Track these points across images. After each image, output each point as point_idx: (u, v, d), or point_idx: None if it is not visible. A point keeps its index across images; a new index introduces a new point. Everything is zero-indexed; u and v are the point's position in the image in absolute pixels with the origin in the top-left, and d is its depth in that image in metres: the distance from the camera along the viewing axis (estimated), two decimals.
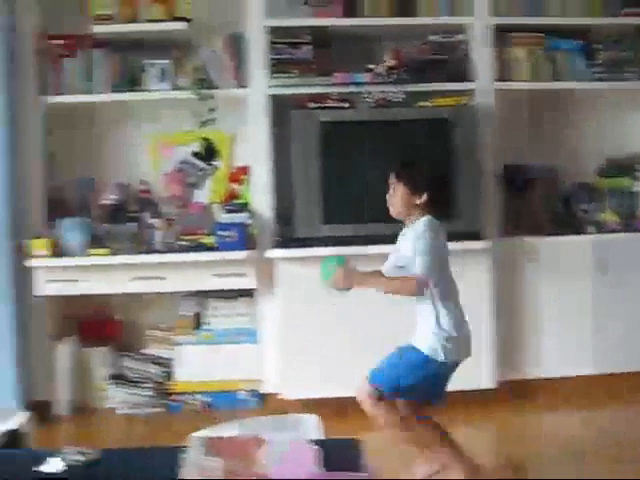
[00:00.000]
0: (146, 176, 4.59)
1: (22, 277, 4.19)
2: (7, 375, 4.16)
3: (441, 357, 3.00)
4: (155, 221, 4.36)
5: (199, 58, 4.45)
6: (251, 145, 4.40)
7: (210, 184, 4.61)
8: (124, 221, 4.36)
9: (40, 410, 4.01)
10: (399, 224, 3.24)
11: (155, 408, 4.40)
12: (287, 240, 4.15)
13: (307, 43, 4.37)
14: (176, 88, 4.40)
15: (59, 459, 2.09)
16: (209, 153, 4.58)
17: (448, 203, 3.44)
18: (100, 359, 4.47)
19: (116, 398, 4.42)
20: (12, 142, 4.22)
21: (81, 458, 2.10)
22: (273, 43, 4.33)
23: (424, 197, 3.10)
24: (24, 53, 4.33)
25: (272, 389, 4.35)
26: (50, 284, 4.17)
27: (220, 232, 4.20)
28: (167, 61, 4.42)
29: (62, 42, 4.42)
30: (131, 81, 4.44)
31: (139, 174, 4.59)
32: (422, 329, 3.07)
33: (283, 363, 4.23)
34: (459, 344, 3.07)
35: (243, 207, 4.38)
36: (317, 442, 2.07)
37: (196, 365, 4.41)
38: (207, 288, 4.37)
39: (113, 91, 4.38)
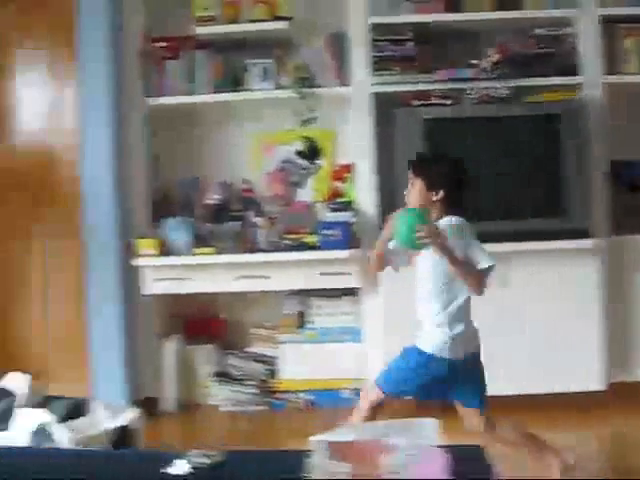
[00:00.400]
0: (249, 175, 4.62)
1: (130, 276, 4.27)
2: (116, 373, 4.25)
3: (446, 354, 2.90)
4: (258, 220, 4.38)
5: (301, 57, 4.45)
6: (354, 143, 4.37)
7: (313, 183, 4.59)
8: (227, 220, 4.39)
9: (147, 407, 4.07)
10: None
11: (258, 406, 4.42)
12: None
13: (409, 40, 4.32)
14: (278, 87, 4.41)
15: (185, 461, 2.09)
16: (312, 152, 4.57)
17: (465, 202, 3.24)
18: (205, 357, 4.52)
19: (220, 395, 4.46)
20: (118, 143, 4.30)
21: (206, 460, 2.11)
22: (375, 40, 4.29)
23: (440, 194, 2.96)
24: (130, 55, 4.41)
25: None
26: (157, 283, 4.24)
27: (324, 231, 4.19)
28: (269, 60, 4.44)
29: (165, 44, 4.47)
30: (233, 81, 4.47)
31: (242, 173, 4.62)
32: (427, 328, 2.97)
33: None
34: (464, 341, 2.94)
35: (347, 205, 4.36)
36: (443, 448, 2.03)
37: (300, 363, 4.42)
38: (311, 287, 4.36)
39: (215, 92, 4.42)
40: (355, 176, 4.44)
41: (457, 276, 2.85)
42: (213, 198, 4.46)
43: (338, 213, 4.32)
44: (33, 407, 3.32)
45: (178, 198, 4.55)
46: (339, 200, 4.45)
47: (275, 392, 4.45)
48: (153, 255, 4.19)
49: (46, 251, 4.49)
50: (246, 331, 4.61)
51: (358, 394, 4.21)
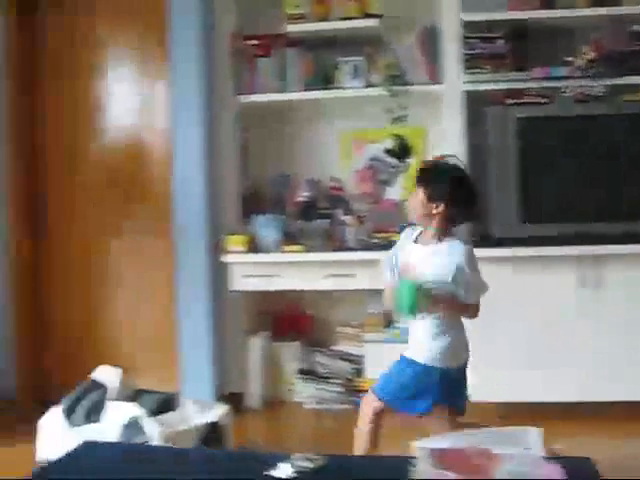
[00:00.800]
0: (338, 173, 4.61)
1: (219, 274, 4.31)
2: (203, 369, 4.31)
3: (440, 364, 2.88)
4: (347, 218, 4.36)
5: (391, 54, 4.41)
6: (445, 141, 4.31)
7: (402, 181, 4.55)
8: (316, 218, 4.39)
9: (233, 402, 4.09)
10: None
11: (343, 404, 4.41)
12: (482, 239, 4.05)
13: (500, 37, 4.25)
14: (369, 85, 4.39)
15: (289, 465, 2.10)
16: (402, 150, 4.53)
17: (470, 218, 3.17)
18: (291, 354, 4.54)
19: (305, 393, 4.46)
20: (209, 142, 4.35)
21: (309, 465, 2.11)
22: (466, 38, 4.23)
23: (441, 208, 2.86)
24: (221, 53, 4.45)
25: None
26: (245, 279, 4.26)
27: None
28: (360, 58, 4.41)
29: (256, 42, 4.49)
30: (324, 79, 4.46)
31: (331, 171, 4.61)
32: (420, 340, 2.93)
33: (473, 366, 4.14)
34: (457, 350, 2.94)
35: None
36: (549, 459, 1.97)
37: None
38: None
39: (306, 89, 4.42)
40: None
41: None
42: (302, 195, 4.46)
43: None
44: (124, 400, 3.38)
45: (268, 195, 4.58)
46: None
47: (360, 391, 4.41)
48: (242, 252, 4.21)
49: (136, 248, 4.56)
50: (332, 329, 4.61)
51: None
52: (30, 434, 3.38)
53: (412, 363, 2.93)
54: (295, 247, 4.22)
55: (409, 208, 3.02)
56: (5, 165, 4.58)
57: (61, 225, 4.74)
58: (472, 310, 2.92)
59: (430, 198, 2.88)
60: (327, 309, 4.63)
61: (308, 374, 4.49)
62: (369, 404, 2.98)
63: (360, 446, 2.99)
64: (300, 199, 4.47)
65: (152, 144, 4.56)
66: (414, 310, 2.78)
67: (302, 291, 4.45)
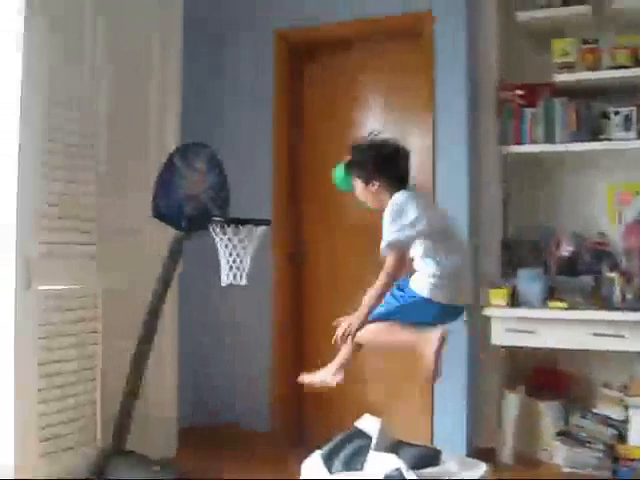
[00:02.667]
0: (603, 227, 4.44)
1: (480, 325, 4.26)
2: (459, 420, 4.29)
3: (437, 298, 3.05)
4: (613, 275, 4.17)
5: None
6: None
7: None
8: (580, 274, 4.23)
9: (485, 457, 4.00)
10: None
11: (601, 470, 4.18)
12: None
13: None
14: None
15: None
16: None
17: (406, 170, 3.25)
18: (548, 412, 4.37)
19: (561, 454, 4.27)
20: (472, 191, 4.33)
21: None
22: None
23: (376, 184, 3.15)
24: (486, 102, 4.45)
25: None
26: (506, 334, 4.17)
27: None
28: (631, 108, 4.22)
29: (522, 91, 4.42)
30: (592, 129, 4.30)
31: (596, 224, 4.45)
32: (418, 274, 3.10)
33: None
34: (453, 288, 3.08)
35: None
36: None
37: None
38: None
39: (573, 140, 4.28)
40: None
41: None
42: (566, 249, 4.32)
43: None
44: (383, 451, 3.40)
45: (529, 247, 4.47)
46: None
47: (621, 458, 4.19)
48: (503, 305, 4.13)
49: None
50: (593, 390, 4.40)
51: None
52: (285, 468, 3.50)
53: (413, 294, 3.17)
54: (559, 304, 4.08)
55: (363, 202, 3.26)
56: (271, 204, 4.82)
57: (319, 263, 4.87)
58: (381, 278, 3.10)
59: (365, 182, 3.18)
60: (588, 368, 4.43)
61: (566, 435, 4.30)
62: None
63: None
64: (563, 253, 4.33)
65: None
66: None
67: (562, 348, 4.29)
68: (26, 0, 3.53)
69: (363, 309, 3.15)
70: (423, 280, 3.10)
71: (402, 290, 3.19)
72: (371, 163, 3.18)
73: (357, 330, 3.18)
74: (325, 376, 3.43)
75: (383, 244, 3.06)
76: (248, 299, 4.71)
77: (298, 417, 4.92)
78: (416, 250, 3.12)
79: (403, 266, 3.13)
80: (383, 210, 3.14)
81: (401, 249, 3.09)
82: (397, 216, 3.07)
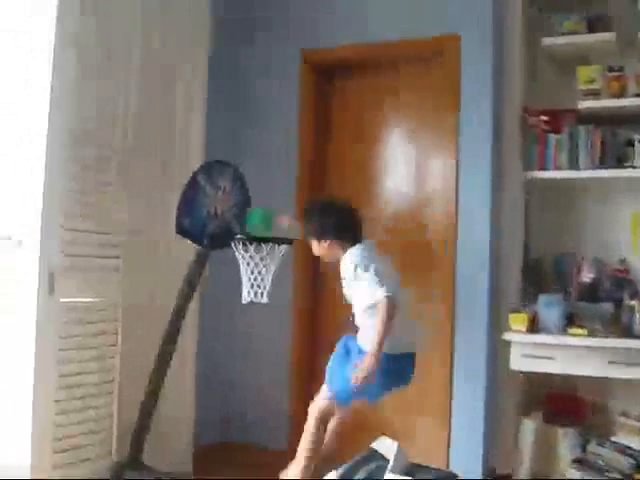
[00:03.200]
0: (625, 254, 4.41)
1: (498, 350, 4.25)
2: (474, 445, 4.28)
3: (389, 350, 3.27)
4: (634, 303, 4.14)
5: None
6: None
7: None
8: (600, 301, 4.21)
9: None
10: None
11: None
12: None
13: None
14: None
15: None
16: None
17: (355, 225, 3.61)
18: (565, 439, 4.33)
19: None
20: (495, 216, 4.33)
21: None
22: None
23: (328, 241, 3.53)
24: (511, 127, 4.45)
25: None
26: (525, 360, 4.14)
27: None
28: None
29: (547, 117, 4.42)
30: (616, 156, 4.29)
31: (618, 252, 4.42)
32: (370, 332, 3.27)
33: None
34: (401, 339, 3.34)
35: None
36: None
37: None
38: None
39: (597, 167, 4.27)
40: None
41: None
42: (587, 276, 4.30)
43: None
44: (398, 473, 3.39)
45: (550, 273, 4.46)
46: None
47: None
48: (522, 331, 4.12)
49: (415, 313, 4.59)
50: (610, 418, 4.36)
51: None
52: None
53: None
54: (579, 330, 4.05)
55: (324, 260, 3.64)
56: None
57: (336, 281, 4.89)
58: (383, 318, 3.28)
59: (317, 240, 3.56)
60: (606, 396, 4.40)
61: (581, 463, 4.26)
62: (316, 421, 3.59)
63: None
64: (584, 279, 4.31)
65: (435, 214, 4.58)
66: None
67: (581, 375, 4.26)
68: (57, 11, 3.56)
69: (375, 352, 3.28)
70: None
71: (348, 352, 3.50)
72: (320, 223, 3.57)
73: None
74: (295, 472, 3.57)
75: (381, 296, 3.25)
76: (267, 317, 4.72)
77: None
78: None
79: None
80: (338, 262, 3.51)
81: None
82: (371, 268, 3.33)
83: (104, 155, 3.98)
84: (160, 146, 4.37)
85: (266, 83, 5.01)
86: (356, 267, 3.38)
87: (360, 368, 3.27)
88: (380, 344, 3.25)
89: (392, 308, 3.24)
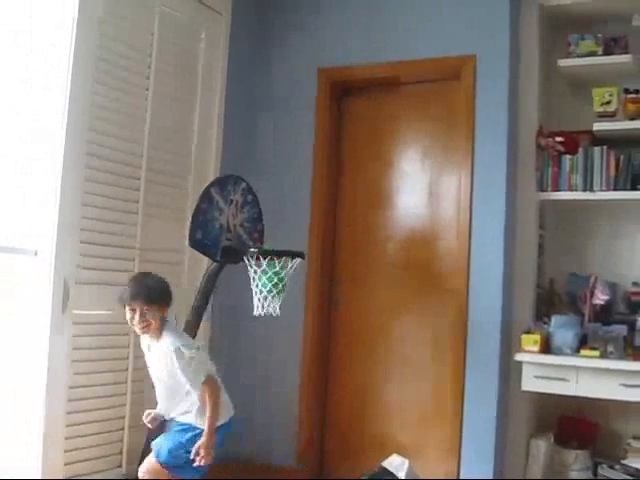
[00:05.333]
0: (639, 277, 4.39)
1: (510, 370, 4.23)
2: (483, 464, 4.23)
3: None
4: None
5: None
6: None
7: None
8: (613, 322, 4.20)
9: None
10: None
11: None
12: None
13: None
14: None
15: None
16: None
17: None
18: (575, 461, 4.30)
19: None
20: (508, 236, 4.32)
21: None
22: None
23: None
24: (525, 149, 4.47)
25: None
26: (537, 380, 4.13)
27: None
28: None
29: (562, 139, 4.43)
30: (631, 178, 4.29)
31: (631, 274, 4.42)
32: (189, 407, 3.34)
33: None
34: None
35: None
36: None
37: None
38: None
39: (612, 189, 4.27)
40: None
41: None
42: (600, 298, 4.29)
43: None
44: None
45: (562, 294, 4.45)
46: None
47: None
48: (535, 352, 4.10)
49: (426, 332, 4.60)
50: (621, 441, 4.34)
51: None
52: None
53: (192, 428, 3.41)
54: (591, 352, 4.04)
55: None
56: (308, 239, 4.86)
57: (351, 301, 4.89)
58: (212, 400, 3.35)
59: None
60: (617, 419, 4.38)
61: None
62: None
63: None
64: (597, 301, 4.30)
65: (449, 233, 4.58)
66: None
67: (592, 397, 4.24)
68: (78, 15, 3.61)
69: (211, 431, 3.33)
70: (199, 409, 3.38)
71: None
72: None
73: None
74: None
75: (202, 379, 3.32)
76: (280, 331, 4.72)
77: (320, 452, 4.90)
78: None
79: None
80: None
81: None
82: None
83: (120, 169, 3.99)
84: (176, 160, 4.40)
85: (283, 100, 5.02)
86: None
87: (203, 452, 3.30)
88: (213, 428, 3.35)
89: (216, 388, 3.40)
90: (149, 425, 3.51)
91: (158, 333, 3.37)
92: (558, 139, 4.44)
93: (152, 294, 3.36)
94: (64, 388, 3.64)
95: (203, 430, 3.30)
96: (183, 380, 3.31)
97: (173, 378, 3.34)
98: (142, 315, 3.33)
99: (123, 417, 4.04)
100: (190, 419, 3.37)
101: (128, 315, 3.36)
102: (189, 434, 3.35)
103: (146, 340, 3.45)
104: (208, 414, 3.30)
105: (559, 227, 4.60)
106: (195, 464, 3.28)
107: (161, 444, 3.39)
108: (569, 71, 4.49)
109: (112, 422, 3.98)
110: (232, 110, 4.83)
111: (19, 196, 3.54)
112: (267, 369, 4.89)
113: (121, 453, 4.05)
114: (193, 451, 3.28)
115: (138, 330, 3.38)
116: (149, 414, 3.50)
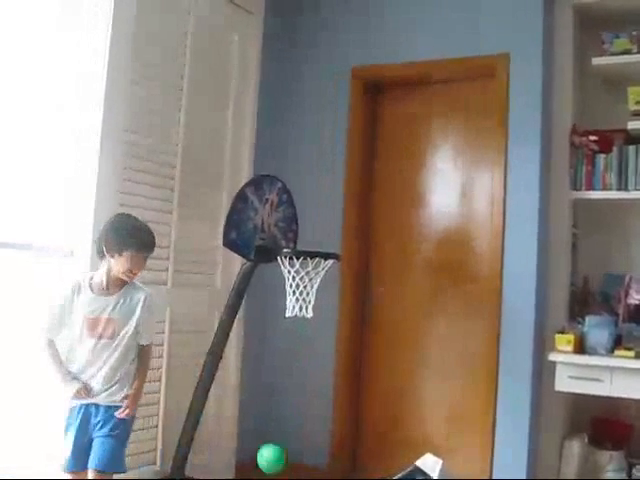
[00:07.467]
0: None
1: (544, 371, 4.22)
2: (517, 465, 4.22)
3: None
4: None
5: None
6: None
7: None
8: None
9: None
10: None
11: None
12: None
13: None
14: None
15: None
16: None
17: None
18: (609, 462, 4.27)
19: None
20: (543, 235, 4.30)
21: None
22: None
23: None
24: (559, 148, 4.43)
25: None
26: (571, 381, 4.09)
27: None
28: None
29: (596, 137, 4.40)
30: None
31: None
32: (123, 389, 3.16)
33: None
34: None
35: None
36: None
37: None
38: None
39: None
40: None
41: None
42: (635, 297, 4.25)
43: None
44: None
45: (598, 293, 4.42)
46: None
47: None
48: (569, 352, 4.08)
49: (460, 332, 4.59)
50: None
51: None
52: None
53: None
54: (626, 352, 4.00)
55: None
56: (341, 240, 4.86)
57: (384, 302, 4.90)
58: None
59: None
60: None
61: None
62: None
63: None
64: (632, 301, 4.26)
65: (482, 231, 4.57)
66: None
67: (626, 398, 4.21)
68: (113, 16, 3.65)
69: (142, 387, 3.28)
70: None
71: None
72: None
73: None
74: None
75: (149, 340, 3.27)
76: (314, 331, 4.73)
77: (353, 452, 4.91)
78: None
79: None
80: None
81: None
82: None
83: (155, 169, 4.02)
84: (210, 160, 4.42)
85: (316, 99, 5.03)
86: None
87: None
88: (140, 390, 3.29)
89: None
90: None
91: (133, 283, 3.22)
92: (592, 138, 4.40)
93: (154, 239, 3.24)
94: None
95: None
96: (140, 335, 3.19)
97: (132, 338, 3.16)
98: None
99: (157, 414, 4.07)
100: (122, 395, 3.17)
101: (129, 264, 3.10)
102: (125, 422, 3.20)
103: (99, 302, 3.14)
104: (141, 373, 3.24)
105: (593, 226, 4.56)
106: (119, 415, 3.13)
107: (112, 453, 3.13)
108: (603, 69, 4.45)
109: (146, 420, 4.00)
110: (265, 110, 4.85)
111: (56, 197, 3.57)
112: (301, 369, 4.90)
113: (156, 451, 4.08)
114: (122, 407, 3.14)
115: (129, 280, 3.18)
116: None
